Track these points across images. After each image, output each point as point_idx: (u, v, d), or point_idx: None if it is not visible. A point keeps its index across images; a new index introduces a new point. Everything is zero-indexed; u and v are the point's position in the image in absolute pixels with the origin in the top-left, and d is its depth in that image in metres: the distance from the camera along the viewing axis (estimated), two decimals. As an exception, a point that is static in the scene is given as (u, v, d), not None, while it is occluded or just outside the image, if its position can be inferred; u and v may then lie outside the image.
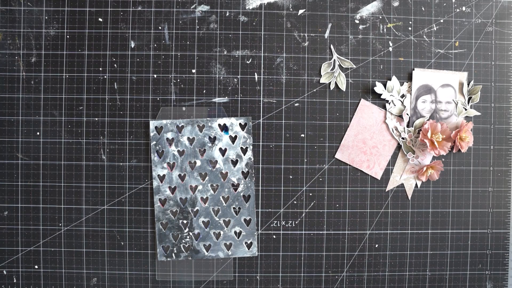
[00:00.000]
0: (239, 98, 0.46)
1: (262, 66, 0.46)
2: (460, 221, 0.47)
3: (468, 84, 0.47)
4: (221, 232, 0.46)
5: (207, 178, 0.45)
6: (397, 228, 0.47)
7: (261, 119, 0.46)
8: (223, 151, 0.45)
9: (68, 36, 0.46)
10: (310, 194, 0.46)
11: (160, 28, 0.46)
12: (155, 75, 0.46)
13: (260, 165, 0.46)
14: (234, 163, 0.45)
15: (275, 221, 0.46)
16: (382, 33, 0.47)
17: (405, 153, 0.46)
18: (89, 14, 0.46)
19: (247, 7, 0.46)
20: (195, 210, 0.45)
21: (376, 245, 0.47)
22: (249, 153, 0.45)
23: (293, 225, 0.46)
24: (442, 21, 0.47)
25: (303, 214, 0.46)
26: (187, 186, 0.45)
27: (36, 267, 0.46)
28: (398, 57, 0.47)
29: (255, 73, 0.46)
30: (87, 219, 0.46)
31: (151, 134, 0.45)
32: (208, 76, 0.46)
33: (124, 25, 0.46)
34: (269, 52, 0.46)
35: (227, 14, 0.46)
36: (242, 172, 0.45)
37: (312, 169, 0.46)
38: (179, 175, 0.45)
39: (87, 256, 0.46)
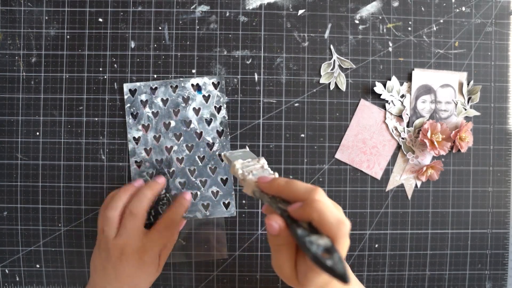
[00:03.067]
0: (239, 98, 0.46)
1: (262, 66, 0.46)
2: (460, 221, 0.47)
3: (468, 84, 0.47)
4: (198, 193, 0.46)
5: (182, 138, 0.45)
6: (397, 228, 0.47)
7: (261, 119, 0.46)
8: (197, 111, 0.45)
9: (68, 37, 0.46)
10: (310, 194, 0.46)
11: (160, 28, 0.46)
12: (155, 75, 0.46)
13: (260, 165, 0.46)
14: (209, 122, 0.45)
15: (275, 221, 0.46)
16: (382, 33, 0.47)
17: (405, 153, 0.46)
18: (89, 14, 0.46)
19: (247, 7, 0.46)
20: (171, 171, 0.45)
21: (376, 245, 0.47)
22: (223, 112, 0.46)
23: (293, 225, 0.46)
24: (441, 21, 0.47)
25: (303, 214, 0.46)
26: (163, 147, 0.45)
27: (37, 266, 0.46)
28: (398, 57, 0.47)
29: (255, 73, 0.46)
30: (87, 219, 0.46)
31: (125, 97, 0.45)
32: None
33: (124, 25, 0.46)
34: (269, 52, 0.46)
35: (227, 14, 0.46)
36: (217, 131, 0.45)
37: (312, 169, 0.46)
38: (154, 137, 0.45)
39: (87, 256, 0.46)
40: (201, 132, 0.45)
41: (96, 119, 0.46)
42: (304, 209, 0.28)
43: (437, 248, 0.47)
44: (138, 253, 0.39)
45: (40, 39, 0.46)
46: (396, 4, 0.47)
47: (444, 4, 0.47)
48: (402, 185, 0.47)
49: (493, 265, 0.47)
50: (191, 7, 0.46)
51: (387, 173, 0.47)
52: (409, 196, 0.47)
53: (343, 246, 0.27)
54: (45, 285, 0.46)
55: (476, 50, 0.47)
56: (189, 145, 0.45)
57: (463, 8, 0.47)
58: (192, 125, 0.45)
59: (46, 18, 0.46)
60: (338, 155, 0.47)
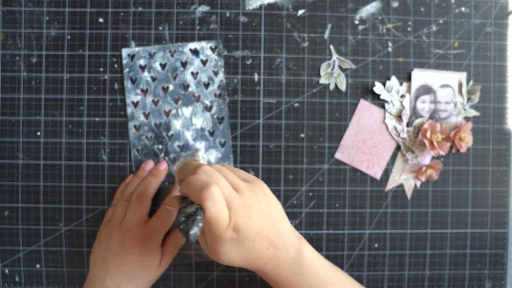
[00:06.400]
0: (239, 99, 0.46)
1: (262, 66, 0.46)
2: (459, 221, 0.47)
3: (467, 85, 0.47)
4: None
5: (180, 102, 0.46)
6: (397, 228, 0.47)
7: (261, 119, 0.46)
8: (195, 75, 0.46)
9: (69, 37, 0.46)
10: (310, 194, 0.47)
11: (160, 28, 0.46)
12: (155, 76, 0.46)
13: (260, 165, 0.46)
14: (206, 85, 0.46)
15: (275, 221, 0.46)
16: (382, 34, 0.47)
17: (405, 153, 0.47)
18: (90, 14, 0.46)
19: (247, 8, 0.46)
20: (169, 134, 0.46)
21: (376, 245, 0.47)
22: (221, 76, 0.46)
23: (293, 225, 0.46)
24: (441, 21, 0.47)
25: (303, 214, 0.47)
26: (161, 111, 0.46)
27: (38, 266, 0.46)
28: (398, 58, 0.47)
29: (255, 74, 0.46)
30: (88, 219, 0.46)
31: (124, 62, 0.46)
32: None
33: (125, 26, 0.46)
34: (269, 53, 0.46)
35: (227, 14, 0.46)
36: (215, 94, 0.46)
37: (311, 169, 0.47)
38: (153, 101, 0.46)
39: (88, 256, 0.46)
40: (199, 96, 0.46)
41: (97, 119, 0.46)
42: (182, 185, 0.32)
43: (436, 248, 0.47)
44: (141, 239, 0.40)
45: (41, 39, 0.46)
46: (395, 4, 0.47)
47: (444, 5, 0.47)
48: (401, 185, 0.47)
49: (493, 265, 0.47)
50: (192, 8, 0.46)
51: (387, 173, 0.47)
52: (409, 196, 0.47)
53: (208, 209, 0.29)
54: (45, 285, 0.46)
55: (476, 50, 0.47)
56: (188, 108, 0.46)
57: (463, 9, 0.47)
58: (190, 89, 0.46)
59: (47, 18, 0.46)
60: (337, 155, 0.47)
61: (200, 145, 0.45)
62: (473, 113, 0.47)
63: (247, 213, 0.31)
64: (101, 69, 0.46)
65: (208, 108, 0.46)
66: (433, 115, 0.47)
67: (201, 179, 0.31)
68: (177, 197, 0.35)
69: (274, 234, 0.33)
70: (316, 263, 0.35)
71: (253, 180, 0.34)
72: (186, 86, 0.46)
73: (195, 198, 0.30)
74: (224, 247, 0.31)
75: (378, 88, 0.46)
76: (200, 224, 0.29)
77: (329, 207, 0.47)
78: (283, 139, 0.46)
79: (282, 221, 0.34)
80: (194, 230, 0.28)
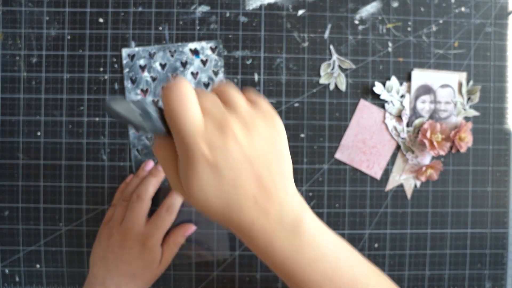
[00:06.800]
0: (239, 99, 0.46)
1: (262, 66, 0.46)
2: (459, 221, 0.47)
3: (467, 85, 0.47)
4: None
5: None
6: (397, 228, 0.47)
7: (261, 119, 0.46)
8: (195, 75, 0.46)
9: (69, 37, 0.46)
10: (310, 194, 0.47)
11: (160, 28, 0.46)
12: (155, 76, 0.46)
13: (260, 165, 0.46)
14: (206, 86, 0.46)
15: (275, 221, 0.46)
16: (382, 34, 0.47)
17: (405, 153, 0.47)
18: (90, 15, 0.46)
19: (247, 8, 0.46)
20: None
21: (376, 245, 0.47)
22: (221, 76, 0.46)
23: (293, 224, 0.46)
24: (441, 21, 0.47)
25: (303, 214, 0.46)
26: None
27: (38, 266, 0.46)
28: (398, 58, 0.47)
29: (255, 74, 0.46)
30: (88, 219, 0.46)
31: (124, 62, 0.46)
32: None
33: (125, 26, 0.46)
34: (269, 53, 0.46)
35: (227, 14, 0.46)
36: None
37: (311, 169, 0.47)
38: (153, 101, 0.46)
39: (88, 256, 0.46)
40: None
41: (97, 119, 0.46)
42: None
43: (436, 248, 0.47)
44: (141, 239, 0.40)
45: (41, 39, 0.46)
46: (395, 4, 0.47)
47: (444, 5, 0.47)
48: (401, 185, 0.47)
49: (493, 265, 0.47)
50: (192, 8, 0.46)
51: (387, 173, 0.47)
52: (409, 196, 0.47)
53: (170, 103, 0.24)
54: (45, 285, 0.46)
55: (476, 50, 0.47)
56: None
57: (463, 9, 0.47)
58: None
59: (47, 18, 0.46)
60: (337, 155, 0.47)
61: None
62: (473, 113, 0.47)
63: (230, 131, 0.24)
64: (101, 69, 0.46)
65: None
66: (433, 115, 0.47)
67: (176, 78, 0.25)
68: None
69: (267, 180, 0.25)
70: (320, 237, 0.27)
71: (267, 111, 0.26)
72: None
73: (163, 96, 0.24)
74: (196, 170, 0.24)
75: (378, 88, 0.46)
76: (149, 120, 0.24)
77: (329, 207, 0.47)
78: (283, 139, 0.46)
79: (284, 171, 0.27)
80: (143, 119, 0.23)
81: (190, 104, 0.24)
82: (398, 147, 0.47)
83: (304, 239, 0.27)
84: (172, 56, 0.46)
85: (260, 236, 0.26)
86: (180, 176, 0.25)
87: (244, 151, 0.24)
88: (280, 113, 0.46)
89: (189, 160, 0.24)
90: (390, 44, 0.47)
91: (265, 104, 0.27)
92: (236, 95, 0.26)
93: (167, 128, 0.25)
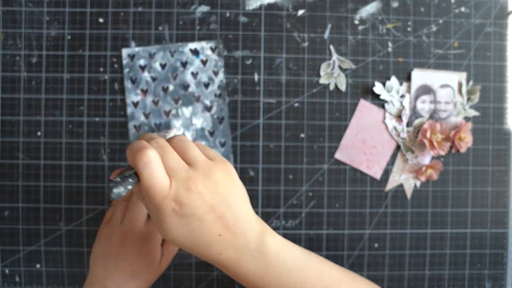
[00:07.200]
0: (239, 99, 0.46)
1: (262, 66, 0.46)
2: (459, 221, 0.47)
3: (467, 85, 0.47)
4: None
5: (180, 102, 0.46)
6: (397, 228, 0.47)
7: (261, 119, 0.46)
8: (195, 75, 0.46)
9: (69, 37, 0.46)
10: (310, 194, 0.47)
11: (160, 28, 0.46)
12: (155, 76, 0.46)
13: (260, 166, 0.46)
14: (206, 85, 0.46)
15: (275, 221, 0.46)
16: (382, 34, 0.47)
17: (404, 153, 0.47)
18: (90, 14, 0.46)
19: (247, 8, 0.46)
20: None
21: (376, 245, 0.47)
22: (221, 76, 0.46)
23: (293, 225, 0.46)
24: (441, 21, 0.47)
25: (303, 214, 0.47)
26: (161, 111, 0.46)
27: (38, 266, 0.46)
28: (397, 58, 0.47)
29: (255, 74, 0.46)
30: (88, 219, 0.46)
31: (124, 62, 0.46)
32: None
33: (125, 26, 0.46)
34: (269, 53, 0.46)
35: (227, 14, 0.46)
36: (215, 94, 0.46)
37: (311, 169, 0.47)
38: (153, 101, 0.46)
39: (88, 256, 0.46)
40: (199, 96, 0.46)
41: (97, 119, 0.46)
42: None
43: (436, 248, 0.47)
44: (140, 239, 0.40)
45: (41, 39, 0.46)
46: (395, 4, 0.47)
47: (444, 5, 0.47)
48: (401, 185, 0.47)
49: (493, 265, 0.47)
50: (192, 8, 0.46)
51: (387, 173, 0.47)
52: (409, 196, 0.47)
53: (141, 173, 0.28)
54: (45, 285, 0.46)
55: (476, 50, 0.47)
56: (188, 108, 0.46)
57: (463, 9, 0.47)
58: (190, 89, 0.46)
59: (47, 18, 0.46)
60: (337, 155, 0.47)
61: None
62: (473, 113, 0.47)
63: (194, 187, 0.28)
64: (101, 69, 0.46)
65: (208, 108, 0.46)
66: (433, 115, 0.47)
67: (141, 144, 0.29)
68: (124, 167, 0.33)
69: (230, 218, 0.29)
70: (283, 252, 0.31)
71: (218, 160, 0.31)
72: (186, 86, 0.46)
73: (131, 161, 0.29)
74: (166, 221, 0.28)
75: (378, 88, 0.46)
76: (129, 187, 0.28)
77: (329, 207, 0.47)
78: (283, 139, 0.46)
79: (242, 206, 0.30)
80: (119, 189, 0.27)
81: (157, 173, 0.28)
82: (398, 147, 0.47)
83: (269, 257, 0.30)
84: (172, 56, 0.46)
85: (230, 263, 0.30)
86: (154, 226, 0.30)
87: (207, 200, 0.29)
88: (280, 113, 0.46)
89: (160, 215, 0.28)
90: (390, 44, 0.47)
91: (215, 154, 0.32)
92: (195, 151, 0.30)
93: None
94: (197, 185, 0.28)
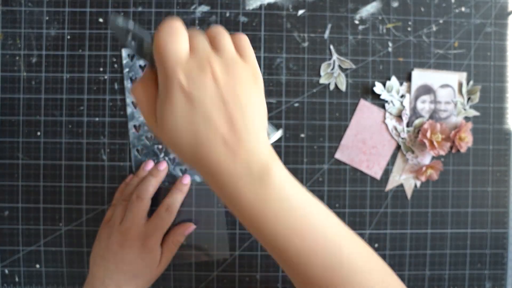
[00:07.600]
0: (239, 98, 0.46)
1: (262, 66, 0.46)
2: (460, 221, 0.47)
3: (467, 85, 0.47)
4: None
5: None
6: (397, 228, 0.47)
7: (261, 119, 0.46)
8: None
9: (68, 37, 0.46)
10: (310, 194, 0.46)
11: (160, 28, 0.46)
12: (155, 76, 0.46)
13: (260, 165, 0.46)
14: None
15: (275, 221, 0.46)
16: (382, 34, 0.47)
17: (405, 153, 0.47)
18: (90, 14, 0.46)
19: (247, 8, 0.46)
20: None
21: (376, 245, 0.47)
22: None
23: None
24: (441, 21, 0.47)
25: (303, 214, 0.46)
26: None
27: (37, 266, 0.46)
28: (398, 58, 0.47)
29: (255, 74, 0.46)
30: (88, 219, 0.46)
31: (124, 62, 0.46)
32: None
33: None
34: (269, 53, 0.46)
35: (227, 14, 0.46)
36: None
37: (311, 169, 0.47)
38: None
39: (88, 256, 0.46)
40: None
41: (97, 119, 0.46)
42: None
43: (436, 248, 0.47)
44: (140, 238, 0.40)
45: (41, 39, 0.46)
46: (395, 4, 0.47)
47: (444, 5, 0.47)
48: (401, 185, 0.47)
49: (493, 265, 0.47)
50: (192, 8, 0.46)
51: (387, 173, 0.47)
52: (409, 196, 0.47)
53: (158, 30, 0.25)
54: (45, 285, 0.46)
55: (476, 50, 0.47)
56: None
57: (463, 9, 0.47)
58: None
59: (47, 18, 0.46)
60: (337, 155, 0.47)
61: None
62: (473, 113, 0.47)
63: (210, 70, 0.25)
64: (101, 69, 0.46)
65: None
66: (433, 115, 0.47)
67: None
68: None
69: (240, 124, 0.25)
70: (287, 188, 0.27)
71: (250, 61, 0.27)
72: None
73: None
74: (171, 99, 0.25)
75: (378, 88, 0.46)
76: (141, 43, 0.27)
77: (329, 207, 0.46)
78: (283, 139, 0.46)
79: (257, 120, 0.26)
80: (128, 22, 0.26)
81: (179, 37, 0.25)
82: (398, 147, 0.47)
83: (271, 189, 0.26)
84: None
85: (227, 181, 0.26)
86: (157, 109, 0.26)
87: (220, 89, 0.25)
88: (280, 113, 0.46)
89: (167, 88, 0.25)
90: (390, 44, 0.47)
91: (252, 56, 0.28)
92: (226, 40, 0.27)
93: (153, 62, 0.26)
94: (215, 70, 0.25)
